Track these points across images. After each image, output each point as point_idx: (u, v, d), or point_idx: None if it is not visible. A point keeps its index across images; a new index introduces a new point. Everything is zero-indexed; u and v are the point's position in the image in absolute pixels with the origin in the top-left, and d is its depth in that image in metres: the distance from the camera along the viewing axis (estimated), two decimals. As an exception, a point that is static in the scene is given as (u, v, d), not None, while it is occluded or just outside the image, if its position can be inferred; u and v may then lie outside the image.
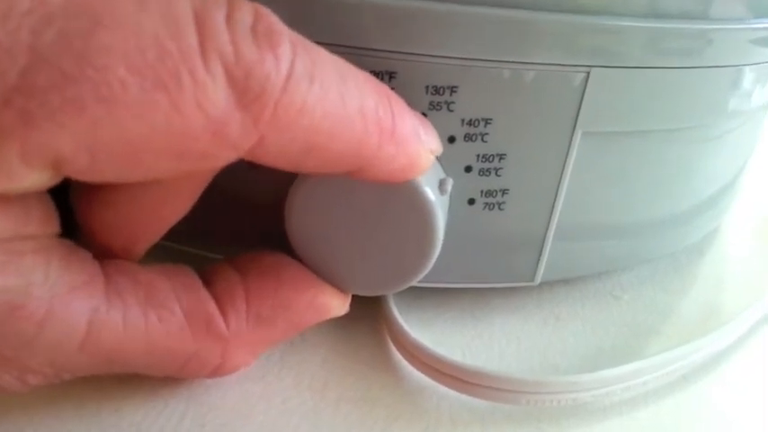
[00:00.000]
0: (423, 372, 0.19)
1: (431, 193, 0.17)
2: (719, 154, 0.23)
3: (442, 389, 0.19)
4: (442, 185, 0.17)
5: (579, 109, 0.18)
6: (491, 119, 0.18)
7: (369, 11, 0.16)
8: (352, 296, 0.19)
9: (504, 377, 0.18)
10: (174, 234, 0.20)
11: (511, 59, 0.17)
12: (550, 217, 0.20)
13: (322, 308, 0.17)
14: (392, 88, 0.17)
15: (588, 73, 0.17)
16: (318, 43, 0.16)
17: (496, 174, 0.19)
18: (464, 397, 0.18)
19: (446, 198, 0.18)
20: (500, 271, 0.21)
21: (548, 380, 0.18)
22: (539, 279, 0.21)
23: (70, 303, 0.14)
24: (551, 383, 0.18)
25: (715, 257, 0.27)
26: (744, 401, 0.20)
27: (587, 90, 0.18)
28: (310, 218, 0.17)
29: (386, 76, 0.17)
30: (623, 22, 0.17)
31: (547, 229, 0.20)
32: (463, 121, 0.18)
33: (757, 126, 0.25)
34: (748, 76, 0.21)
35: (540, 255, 0.21)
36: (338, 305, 0.18)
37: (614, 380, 0.19)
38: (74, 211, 0.16)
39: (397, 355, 0.20)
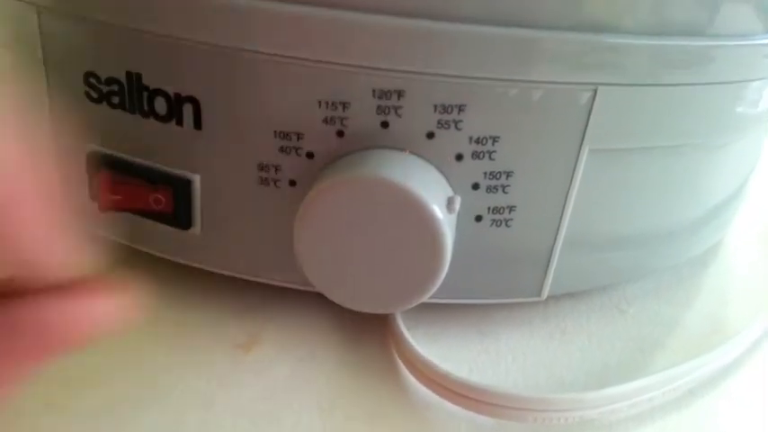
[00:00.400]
0: (430, 388, 0.19)
1: (438, 211, 0.17)
2: (724, 166, 0.24)
3: (450, 405, 0.19)
4: (449, 204, 0.17)
5: (586, 127, 0.18)
6: (498, 137, 0.18)
7: (377, 30, 0.16)
8: (359, 312, 0.19)
9: (511, 395, 0.18)
10: (184, 250, 0.21)
11: (518, 78, 0.17)
12: (557, 232, 0.20)
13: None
14: (401, 106, 0.17)
15: (595, 91, 0.18)
16: (327, 62, 0.17)
17: (504, 191, 0.19)
18: (471, 414, 0.18)
19: (454, 216, 0.18)
20: (507, 286, 0.21)
21: (554, 398, 0.18)
22: (545, 294, 0.21)
23: None
24: (557, 401, 0.18)
25: (719, 270, 0.27)
26: (749, 416, 0.20)
27: (594, 108, 0.18)
28: (318, 237, 0.17)
29: (394, 94, 0.17)
30: (630, 41, 0.17)
31: (554, 244, 0.20)
32: (471, 138, 0.18)
33: (760, 139, 0.25)
34: (753, 90, 0.21)
35: (546, 270, 0.21)
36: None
37: (620, 397, 0.19)
38: None
39: (405, 371, 0.20)
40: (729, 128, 0.22)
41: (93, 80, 0.19)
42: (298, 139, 0.18)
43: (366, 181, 0.16)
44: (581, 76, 0.17)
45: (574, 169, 0.19)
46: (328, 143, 0.18)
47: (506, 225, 0.19)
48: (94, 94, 0.19)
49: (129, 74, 0.18)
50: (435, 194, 0.17)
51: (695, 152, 0.21)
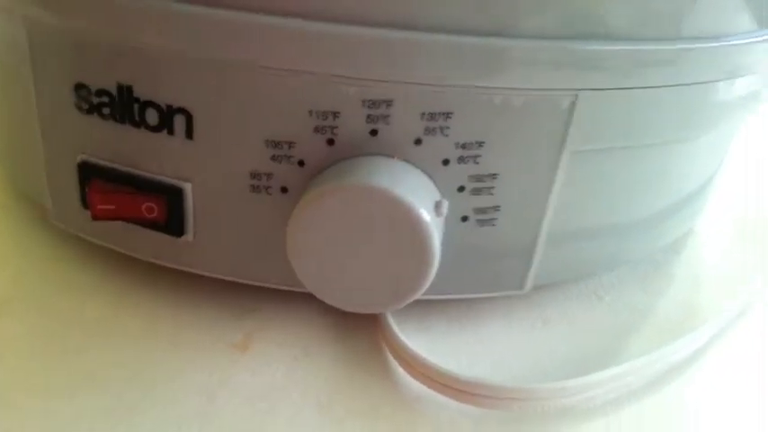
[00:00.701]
0: (421, 381, 0.20)
1: (427, 215, 0.17)
2: (697, 157, 0.25)
3: (440, 396, 0.19)
4: (437, 208, 0.18)
5: (567, 130, 0.19)
6: (483, 141, 0.18)
7: (365, 42, 0.17)
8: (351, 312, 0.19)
9: (495, 386, 0.19)
10: (177, 256, 0.21)
11: (501, 86, 0.18)
12: (539, 228, 0.21)
13: None
14: (389, 115, 0.18)
15: (576, 96, 0.18)
16: (317, 73, 0.17)
17: (489, 192, 0.19)
18: (460, 404, 0.19)
19: (441, 219, 0.18)
20: (492, 281, 0.22)
21: (537, 387, 0.19)
22: (528, 287, 0.22)
23: None
24: (540, 390, 0.19)
25: (690, 257, 0.28)
26: (720, 397, 0.21)
27: (575, 112, 0.19)
28: (311, 242, 0.18)
29: (383, 103, 0.17)
30: (607, 47, 0.18)
31: (536, 240, 0.21)
32: (457, 144, 0.18)
33: (730, 131, 0.26)
34: (726, 87, 0.22)
35: (529, 264, 0.22)
36: None
37: (599, 383, 0.20)
38: None
39: (396, 365, 0.21)
40: (703, 122, 0.23)
41: (83, 92, 0.19)
42: (289, 147, 0.18)
43: (356, 188, 0.17)
44: (562, 82, 0.18)
45: (555, 170, 0.20)
46: (319, 151, 0.18)
47: (491, 224, 0.20)
48: (85, 106, 0.19)
49: (119, 86, 0.18)
50: (423, 199, 0.18)
51: (671, 146, 0.22)
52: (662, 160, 0.23)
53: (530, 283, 0.22)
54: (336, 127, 0.18)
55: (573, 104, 0.18)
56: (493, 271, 0.21)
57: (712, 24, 0.20)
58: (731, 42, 0.21)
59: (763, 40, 0.21)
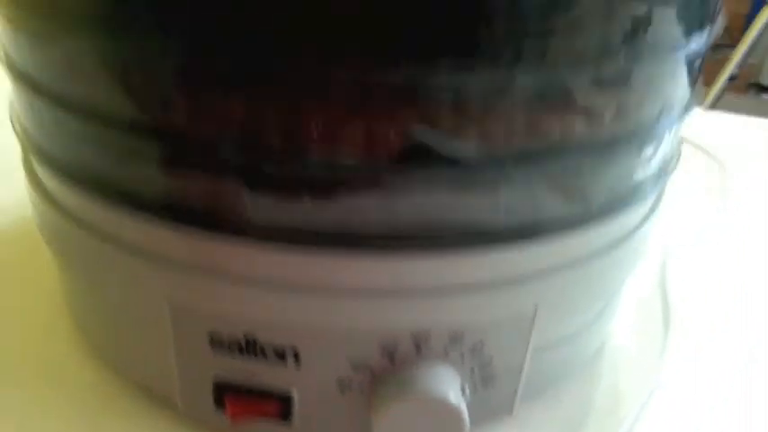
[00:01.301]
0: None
1: (459, 401, 0.28)
2: (623, 275, 0.36)
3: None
4: (463, 393, 0.28)
5: (533, 324, 0.30)
6: (483, 342, 0.29)
7: (418, 309, 0.27)
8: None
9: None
10: (290, 437, 0.30)
11: (493, 318, 0.28)
12: (521, 376, 0.32)
13: None
14: (428, 339, 0.28)
15: (536, 306, 0.29)
16: (386, 329, 0.27)
17: (488, 369, 0.30)
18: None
19: (466, 397, 0.29)
20: (491, 414, 0.32)
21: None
22: (515, 412, 0.33)
23: None
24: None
25: (609, 351, 0.40)
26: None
27: (537, 314, 0.29)
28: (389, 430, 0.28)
29: (424, 335, 0.28)
30: (557, 273, 0.29)
31: (518, 383, 0.32)
32: (468, 347, 0.29)
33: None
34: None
35: (514, 398, 0.32)
36: None
37: (570, 477, 0.31)
38: None
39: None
40: (624, 273, 0.34)
41: (216, 338, 0.28)
42: (365, 365, 0.28)
43: (415, 399, 0.27)
44: (526, 303, 0.29)
45: (528, 343, 0.30)
46: (385, 366, 0.28)
47: (491, 385, 0.31)
48: (218, 346, 0.28)
49: (246, 338, 0.28)
50: (455, 389, 0.28)
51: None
52: (603, 289, 0.34)
53: (516, 408, 0.33)
54: (395, 352, 0.28)
55: (535, 310, 0.29)
56: (491, 409, 0.32)
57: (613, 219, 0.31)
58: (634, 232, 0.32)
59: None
